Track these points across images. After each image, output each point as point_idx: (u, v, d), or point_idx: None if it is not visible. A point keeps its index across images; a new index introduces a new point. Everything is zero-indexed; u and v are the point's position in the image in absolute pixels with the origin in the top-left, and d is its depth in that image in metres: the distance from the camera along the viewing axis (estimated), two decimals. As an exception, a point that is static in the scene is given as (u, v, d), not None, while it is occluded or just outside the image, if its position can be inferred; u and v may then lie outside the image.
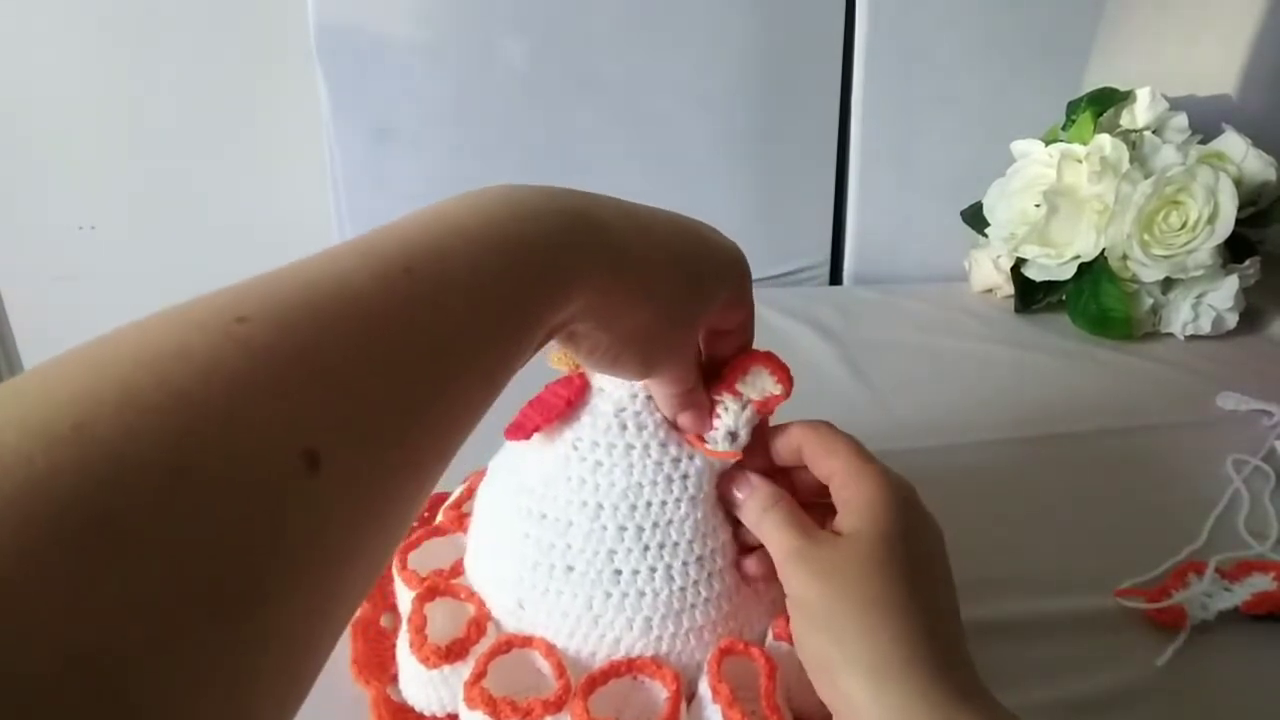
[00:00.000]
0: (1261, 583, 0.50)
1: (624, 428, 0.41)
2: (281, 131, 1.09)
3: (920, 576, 0.34)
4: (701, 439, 0.40)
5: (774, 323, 0.86)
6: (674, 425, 0.41)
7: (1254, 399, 0.70)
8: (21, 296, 1.20)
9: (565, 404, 0.41)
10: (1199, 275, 0.81)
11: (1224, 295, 0.82)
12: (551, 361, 0.42)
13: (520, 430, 0.41)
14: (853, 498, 0.36)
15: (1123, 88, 0.88)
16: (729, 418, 0.40)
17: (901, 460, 0.63)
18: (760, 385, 0.41)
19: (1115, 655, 0.47)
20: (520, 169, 0.98)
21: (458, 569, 0.45)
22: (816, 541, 0.36)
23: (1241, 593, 0.49)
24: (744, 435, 0.40)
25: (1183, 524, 0.56)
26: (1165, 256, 0.80)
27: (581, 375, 0.41)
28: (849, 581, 0.34)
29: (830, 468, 0.38)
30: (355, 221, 1.01)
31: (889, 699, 0.31)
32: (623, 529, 0.40)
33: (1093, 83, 0.92)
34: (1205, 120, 0.86)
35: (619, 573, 0.39)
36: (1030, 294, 0.88)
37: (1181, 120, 0.86)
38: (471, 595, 0.43)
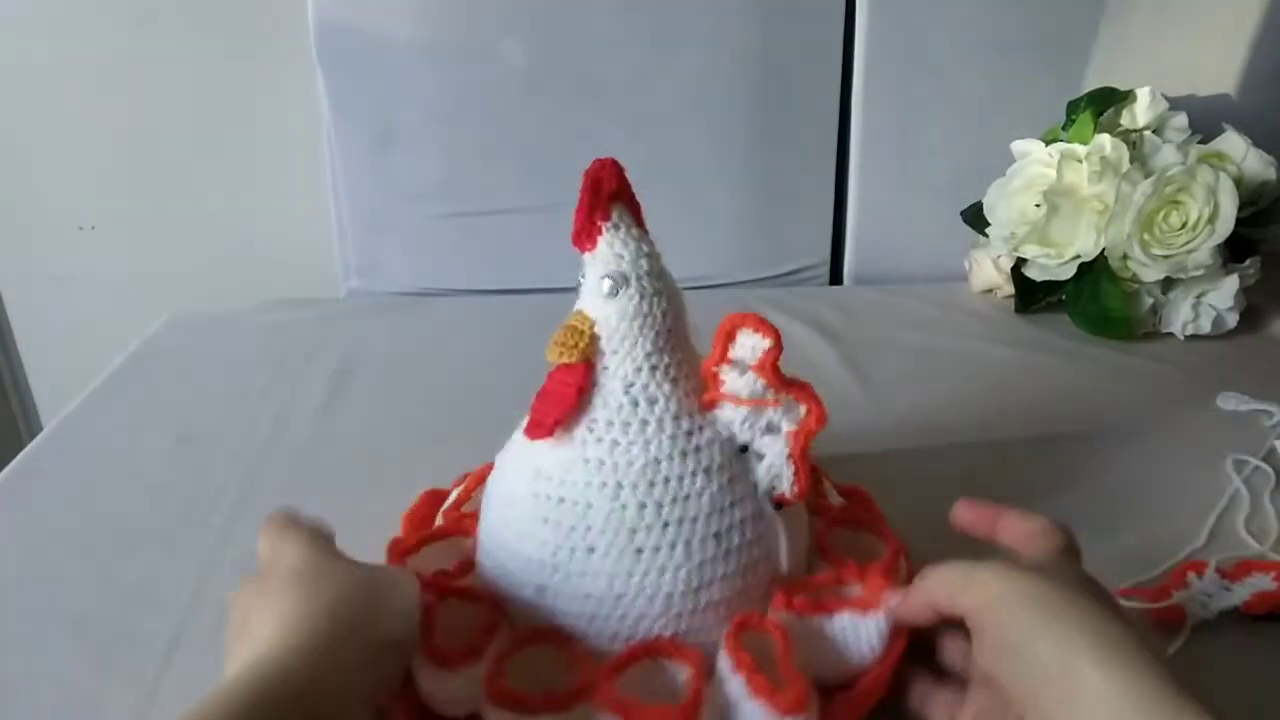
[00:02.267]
0: (1261, 582, 0.50)
1: (635, 404, 0.42)
2: (281, 131, 1.09)
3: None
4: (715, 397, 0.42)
5: (775, 322, 0.86)
6: None
7: (1254, 399, 0.70)
8: (21, 296, 1.20)
9: (576, 392, 0.41)
10: (1199, 275, 0.81)
11: (1224, 295, 0.82)
12: (549, 356, 0.42)
13: (540, 428, 0.42)
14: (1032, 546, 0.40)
15: (1123, 87, 0.88)
16: (733, 383, 0.42)
17: (902, 460, 0.63)
18: (749, 344, 0.42)
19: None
20: (520, 169, 0.98)
21: (463, 569, 0.45)
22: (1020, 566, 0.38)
23: (1241, 593, 0.49)
24: (756, 392, 0.42)
25: (1183, 524, 0.56)
26: (1165, 256, 0.80)
27: (586, 361, 0.42)
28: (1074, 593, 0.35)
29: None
30: (355, 221, 1.01)
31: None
32: (642, 506, 0.40)
33: (1093, 83, 0.92)
34: (1205, 120, 0.86)
35: (640, 551, 0.40)
36: (1030, 294, 0.88)
37: (1181, 120, 0.86)
38: (481, 595, 0.43)
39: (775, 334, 0.42)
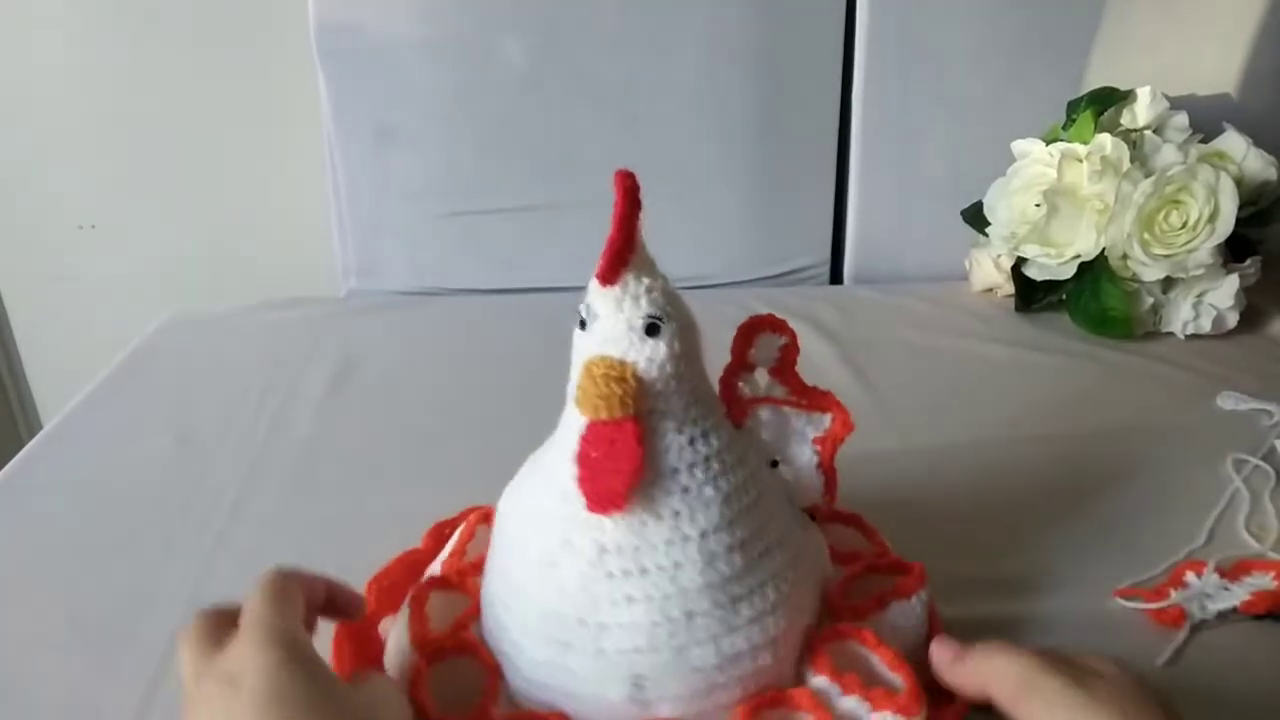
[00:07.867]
0: (1261, 582, 0.49)
1: (693, 443, 0.38)
2: (281, 131, 1.09)
3: None
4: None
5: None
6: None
7: (1254, 399, 0.70)
8: (21, 296, 1.20)
9: (639, 451, 0.36)
10: (1199, 274, 0.81)
11: (1224, 294, 0.82)
12: (586, 413, 0.37)
13: (612, 501, 0.36)
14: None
15: (1123, 87, 0.88)
16: (753, 390, 0.41)
17: (902, 460, 0.63)
18: (769, 346, 0.42)
19: (1115, 655, 0.47)
20: (520, 169, 0.98)
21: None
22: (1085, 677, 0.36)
23: (1241, 592, 0.49)
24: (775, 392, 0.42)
25: (1183, 524, 0.56)
26: (1166, 256, 0.80)
27: (638, 413, 0.37)
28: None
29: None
30: (355, 221, 1.01)
31: None
32: (730, 550, 0.37)
33: (1093, 82, 0.92)
34: (1206, 120, 0.86)
35: (736, 601, 0.37)
36: (1030, 294, 0.88)
37: (1182, 119, 0.86)
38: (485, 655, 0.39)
39: (792, 333, 0.41)
